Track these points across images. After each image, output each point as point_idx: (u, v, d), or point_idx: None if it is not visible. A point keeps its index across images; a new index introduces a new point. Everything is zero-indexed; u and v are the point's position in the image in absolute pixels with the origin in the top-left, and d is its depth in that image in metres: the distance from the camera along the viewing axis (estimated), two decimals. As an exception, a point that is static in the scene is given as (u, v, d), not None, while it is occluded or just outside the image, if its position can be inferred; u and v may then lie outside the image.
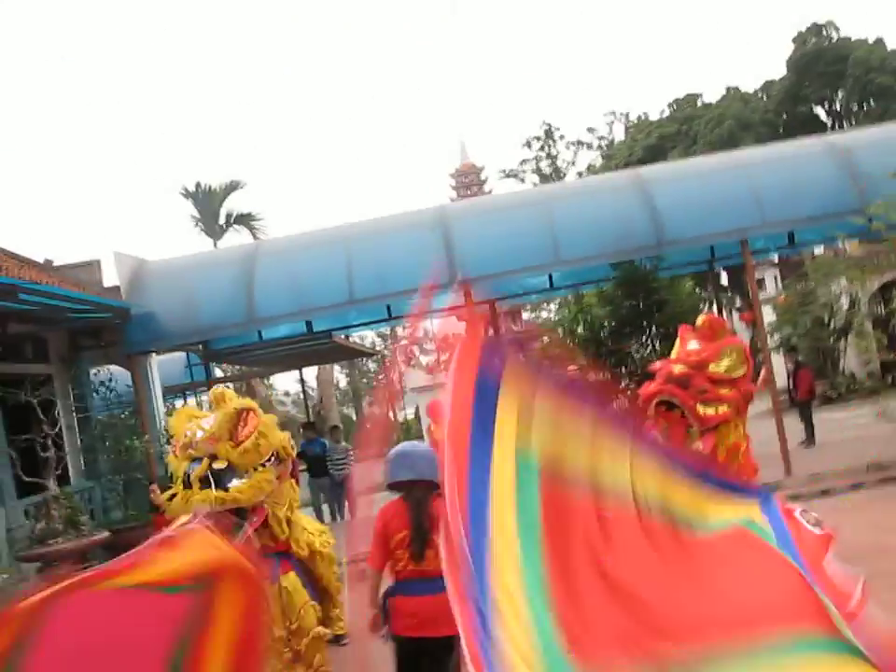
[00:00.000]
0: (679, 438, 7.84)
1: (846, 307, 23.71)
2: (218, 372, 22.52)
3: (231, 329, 13.81)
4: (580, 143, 54.20)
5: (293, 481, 7.69)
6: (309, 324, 15.80)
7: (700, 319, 8.65)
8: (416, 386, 29.57)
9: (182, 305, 13.20)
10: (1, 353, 12.44)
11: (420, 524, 5.20)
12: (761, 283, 34.95)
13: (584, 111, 78.87)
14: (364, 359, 40.69)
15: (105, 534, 10.97)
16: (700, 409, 7.77)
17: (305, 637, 7.02)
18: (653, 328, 14.18)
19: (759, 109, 42.44)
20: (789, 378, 17.09)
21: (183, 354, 19.34)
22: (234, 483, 6.60)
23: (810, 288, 23.33)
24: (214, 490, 6.48)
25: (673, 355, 8.45)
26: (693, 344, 8.27)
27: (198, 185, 30.20)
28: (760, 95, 44.39)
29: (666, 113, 46.90)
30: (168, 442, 12.92)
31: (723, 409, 7.90)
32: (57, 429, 14.39)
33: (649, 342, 14.27)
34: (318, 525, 8.52)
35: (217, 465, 6.64)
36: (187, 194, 30.36)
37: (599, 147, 52.99)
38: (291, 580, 7.12)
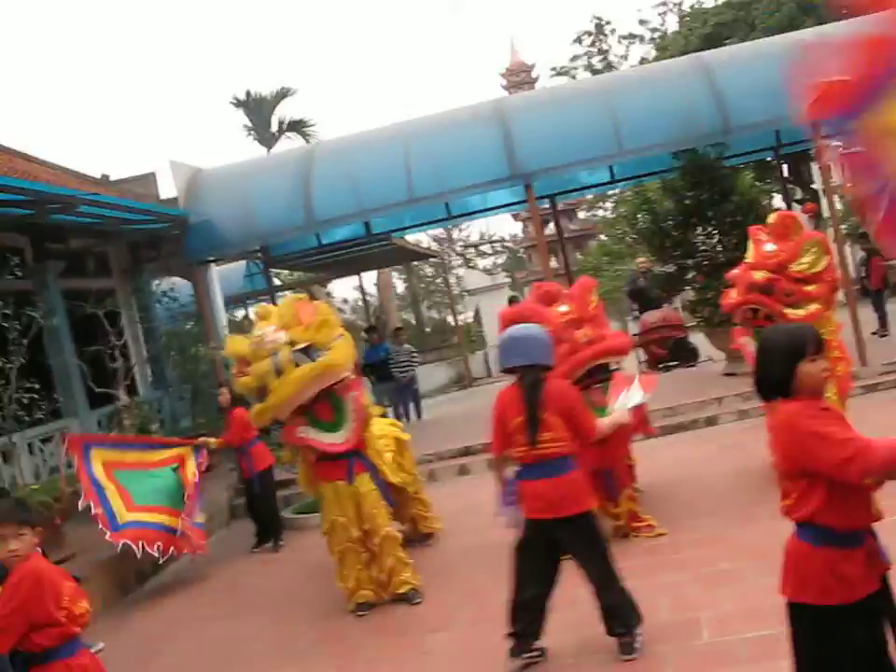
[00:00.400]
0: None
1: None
2: (277, 282, 22.51)
3: (290, 232, 13.63)
4: (632, 36, 52.29)
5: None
6: (368, 225, 15.65)
7: (771, 217, 8.38)
8: (473, 288, 29.17)
9: (240, 211, 13.09)
10: (65, 268, 12.51)
11: (534, 409, 5.22)
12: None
13: (635, 2, 76.11)
14: (421, 263, 40.57)
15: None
16: (789, 312, 7.59)
17: (377, 538, 7.13)
18: (718, 218, 13.74)
19: (818, -8, 40.42)
20: (860, 268, 16.55)
21: (242, 263, 19.38)
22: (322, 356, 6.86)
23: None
24: (303, 369, 6.72)
25: (748, 258, 8.19)
26: (769, 246, 7.99)
27: (248, 93, 29.93)
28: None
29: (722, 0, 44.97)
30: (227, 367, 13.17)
31: (813, 307, 7.74)
32: (123, 341, 14.64)
33: (714, 232, 13.83)
34: (387, 423, 8.50)
35: (298, 346, 6.88)
36: (238, 103, 30.17)
37: (652, 39, 51.06)
38: (364, 481, 7.19)
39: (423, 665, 5.87)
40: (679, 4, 51.74)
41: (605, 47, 53.07)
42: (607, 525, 7.19)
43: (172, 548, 8.73)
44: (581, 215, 53.30)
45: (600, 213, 54.71)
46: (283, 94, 30.04)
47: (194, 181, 13.57)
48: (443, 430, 14.17)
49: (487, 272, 37.49)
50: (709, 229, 13.89)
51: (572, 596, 5.63)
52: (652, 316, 16.75)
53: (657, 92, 13.02)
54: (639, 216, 14.89)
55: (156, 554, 8.51)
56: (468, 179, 12.65)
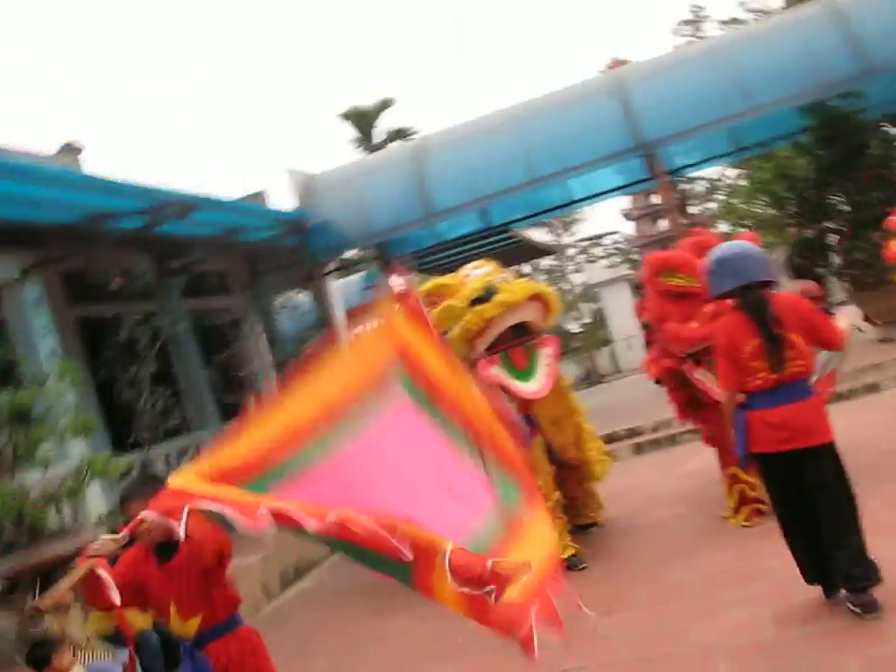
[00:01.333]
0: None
1: None
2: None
3: (407, 227, 13.29)
4: (734, 21, 50.78)
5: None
6: (487, 216, 15.19)
7: None
8: (596, 282, 28.38)
9: (357, 210, 12.86)
10: (185, 286, 12.49)
11: (769, 328, 4.66)
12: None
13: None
14: (536, 268, 39.97)
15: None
16: None
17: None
18: (856, 175, 12.79)
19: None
20: None
21: (358, 277, 19.13)
22: None
23: None
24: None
25: None
26: None
27: (353, 107, 30.11)
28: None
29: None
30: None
31: None
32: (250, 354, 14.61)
33: (855, 191, 12.88)
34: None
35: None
36: (344, 117, 30.46)
37: (756, 20, 49.40)
38: (537, 444, 6.92)
39: (604, 650, 5.30)
40: (780, -19, 50.19)
41: (704, 35, 51.78)
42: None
43: None
44: (694, 209, 51.91)
45: (712, 205, 53.35)
46: (385, 105, 30.28)
47: (310, 186, 13.38)
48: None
49: (609, 266, 36.53)
50: (848, 186, 12.96)
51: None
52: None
53: (784, 43, 12.12)
54: (775, 184, 13.89)
55: None
56: (588, 155, 12.07)
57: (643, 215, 50.63)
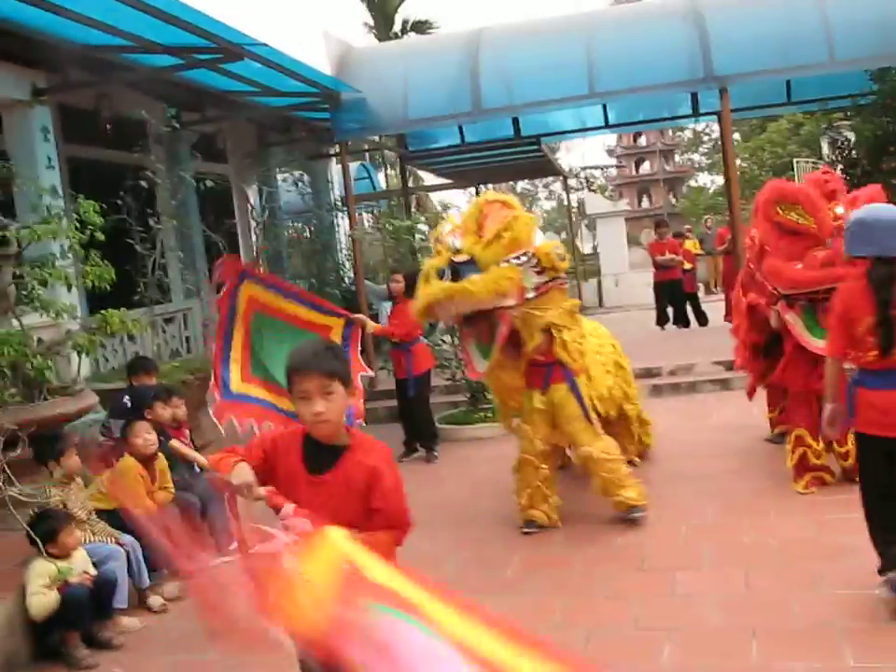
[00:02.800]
0: None
1: None
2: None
3: (451, 118, 12.37)
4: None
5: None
6: (517, 125, 14.38)
7: None
8: (594, 213, 27.59)
9: (396, 93, 11.83)
10: (196, 151, 11.67)
11: (887, 308, 4.32)
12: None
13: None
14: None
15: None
16: None
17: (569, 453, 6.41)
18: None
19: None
20: None
21: (354, 166, 18.24)
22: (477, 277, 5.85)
23: None
24: (444, 285, 5.88)
25: None
26: None
27: (373, -11, 28.17)
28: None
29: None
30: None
31: None
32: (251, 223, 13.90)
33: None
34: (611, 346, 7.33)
35: (459, 258, 5.94)
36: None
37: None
38: (560, 391, 6.31)
39: (690, 612, 4.79)
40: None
41: None
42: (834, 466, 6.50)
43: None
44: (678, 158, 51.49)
45: (695, 157, 52.98)
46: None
47: (347, 58, 12.35)
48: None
49: (609, 197, 35.78)
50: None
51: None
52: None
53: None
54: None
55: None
56: (657, 78, 11.29)
57: (628, 154, 50.00)
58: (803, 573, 5.03)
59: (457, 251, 5.99)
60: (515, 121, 14.35)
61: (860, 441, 4.57)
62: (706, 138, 50.62)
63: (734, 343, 7.71)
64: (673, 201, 47.50)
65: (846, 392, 4.51)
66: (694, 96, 13.68)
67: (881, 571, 4.43)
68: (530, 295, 6.05)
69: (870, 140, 12.58)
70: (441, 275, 5.99)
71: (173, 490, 6.09)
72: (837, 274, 5.91)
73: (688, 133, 51.88)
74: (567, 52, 11.76)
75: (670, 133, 47.62)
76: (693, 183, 53.18)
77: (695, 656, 4.27)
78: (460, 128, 14.69)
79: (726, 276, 15.59)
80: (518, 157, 17.04)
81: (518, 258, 5.96)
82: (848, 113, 14.41)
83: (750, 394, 7.68)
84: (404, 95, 11.81)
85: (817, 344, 6.05)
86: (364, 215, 20.06)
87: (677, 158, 52.33)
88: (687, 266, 16.01)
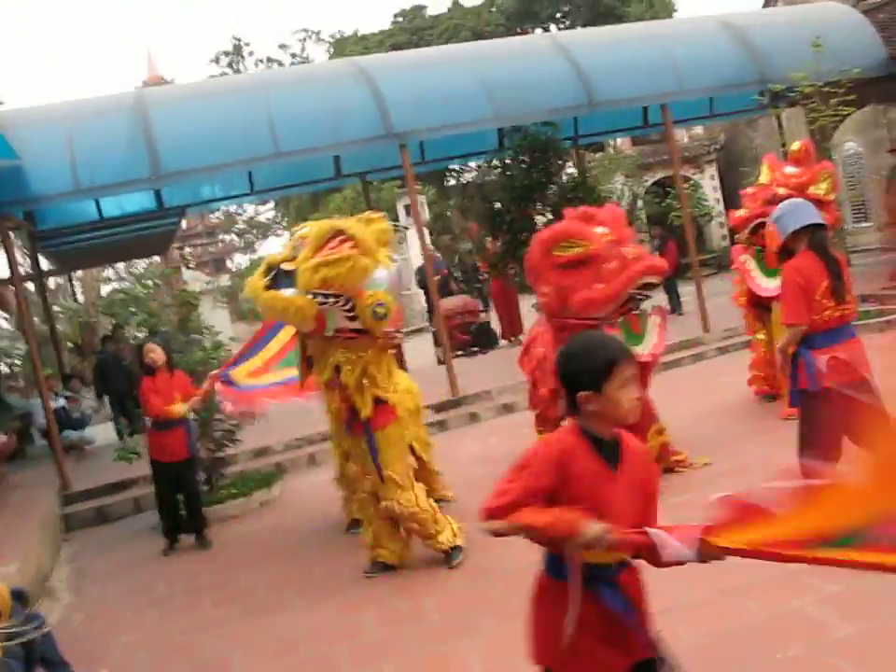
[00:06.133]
0: (771, 261, 7.61)
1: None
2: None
3: (127, 186, 11.31)
4: (269, 60, 52.48)
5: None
6: (159, 197, 13.67)
7: (796, 145, 8.61)
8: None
9: (60, 158, 10.71)
10: None
11: (837, 267, 5.13)
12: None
13: (276, 30, 76.05)
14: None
15: None
16: None
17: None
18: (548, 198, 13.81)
19: (491, 22, 42.87)
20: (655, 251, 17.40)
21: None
22: (280, 292, 5.87)
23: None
24: (260, 283, 5.91)
25: (762, 180, 8.48)
26: (791, 168, 8.23)
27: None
28: (488, 9, 44.70)
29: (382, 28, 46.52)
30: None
31: None
32: None
33: (548, 209, 13.85)
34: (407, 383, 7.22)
35: (288, 266, 5.95)
36: None
37: (293, 65, 51.23)
38: (361, 444, 6.19)
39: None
40: (318, 32, 52.98)
41: (242, 69, 52.73)
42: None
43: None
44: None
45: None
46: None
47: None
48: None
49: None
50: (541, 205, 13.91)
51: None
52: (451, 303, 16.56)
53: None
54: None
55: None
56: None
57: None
58: None
59: (293, 259, 5.89)
60: (158, 192, 13.65)
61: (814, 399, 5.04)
62: (239, 218, 52.29)
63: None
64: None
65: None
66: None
67: None
68: (329, 333, 5.92)
69: (517, 190, 13.77)
70: (267, 273, 5.96)
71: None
72: (634, 271, 6.58)
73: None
74: (249, 113, 11.49)
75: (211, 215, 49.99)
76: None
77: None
78: (97, 202, 13.68)
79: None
80: (160, 229, 16.14)
81: (326, 297, 5.75)
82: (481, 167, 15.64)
83: None
84: (73, 161, 10.70)
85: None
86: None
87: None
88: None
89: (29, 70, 76.14)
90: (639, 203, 25.18)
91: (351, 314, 5.86)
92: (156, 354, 7.93)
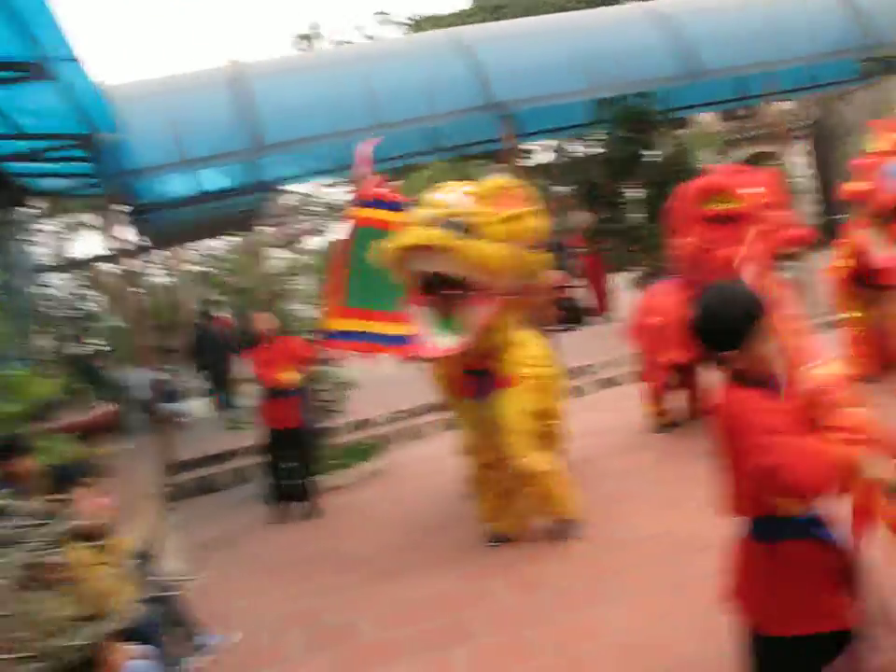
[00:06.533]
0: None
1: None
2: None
3: (228, 157, 11.45)
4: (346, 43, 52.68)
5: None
6: (255, 171, 13.65)
7: None
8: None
9: (163, 132, 10.80)
10: None
11: None
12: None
13: (352, 13, 76.32)
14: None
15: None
16: None
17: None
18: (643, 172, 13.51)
19: (572, -1, 42.31)
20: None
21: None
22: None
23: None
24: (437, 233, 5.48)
25: (875, 148, 8.04)
26: None
27: None
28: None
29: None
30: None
31: None
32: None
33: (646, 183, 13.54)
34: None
35: (456, 218, 5.56)
36: None
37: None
38: (497, 401, 6.01)
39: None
40: (394, 14, 53.04)
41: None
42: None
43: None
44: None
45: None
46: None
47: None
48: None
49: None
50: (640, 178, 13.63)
51: None
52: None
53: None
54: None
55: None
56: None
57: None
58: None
59: (454, 213, 5.57)
60: (253, 166, 13.62)
61: None
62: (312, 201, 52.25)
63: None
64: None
65: None
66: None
67: None
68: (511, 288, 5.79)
69: (613, 164, 13.51)
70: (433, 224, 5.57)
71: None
72: (784, 237, 6.45)
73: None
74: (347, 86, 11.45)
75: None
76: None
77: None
78: (193, 177, 13.73)
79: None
80: (253, 204, 16.17)
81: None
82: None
83: None
84: (175, 134, 10.77)
85: None
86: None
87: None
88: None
89: (125, 47, 77.43)
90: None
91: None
92: (267, 322, 7.94)
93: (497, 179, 5.97)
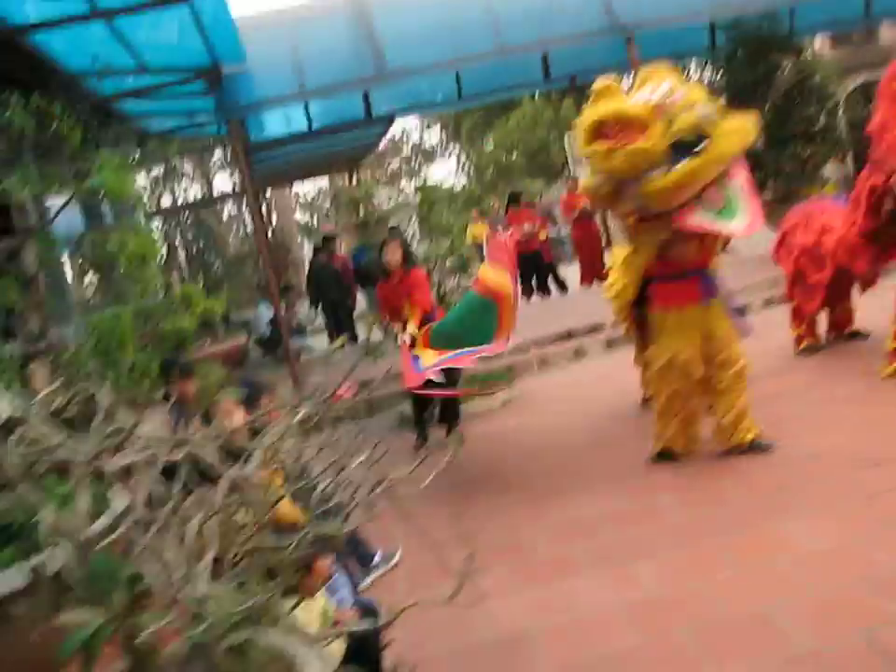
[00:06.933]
0: None
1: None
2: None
3: (352, 86, 11.39)
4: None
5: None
6: (368, 103, 13.53)
7: None
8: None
9: (284, 63, 10.78)
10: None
11: None
12: None
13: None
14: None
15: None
16: None
17: (729, 372, 5.80)
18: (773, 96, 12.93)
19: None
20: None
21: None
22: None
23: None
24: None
25: None
26: None
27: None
28: None
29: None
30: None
31: None
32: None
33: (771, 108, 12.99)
34: None
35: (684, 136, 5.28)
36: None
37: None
38: (715, 306, 5.86)
39: None
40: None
41: None
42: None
43: None
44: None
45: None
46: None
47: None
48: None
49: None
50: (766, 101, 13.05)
51: None
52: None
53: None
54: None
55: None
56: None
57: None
58: None
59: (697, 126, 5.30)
60: (366, 98, 13.53)
61: None
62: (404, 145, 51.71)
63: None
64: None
65: None
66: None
67: None
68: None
69: (735, 89, 12.98)
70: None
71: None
72: None
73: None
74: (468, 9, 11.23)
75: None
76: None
77: None
78: (306, 111, 13.71)
79: (577, 243, 15.81)
80: (367, 140, 16.14)
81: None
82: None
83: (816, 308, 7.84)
84: (296, 65, 10.73)
85: None
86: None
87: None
88: (542, 236, 15.96)
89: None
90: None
91: None
92: (392, 254, 7.80)
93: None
